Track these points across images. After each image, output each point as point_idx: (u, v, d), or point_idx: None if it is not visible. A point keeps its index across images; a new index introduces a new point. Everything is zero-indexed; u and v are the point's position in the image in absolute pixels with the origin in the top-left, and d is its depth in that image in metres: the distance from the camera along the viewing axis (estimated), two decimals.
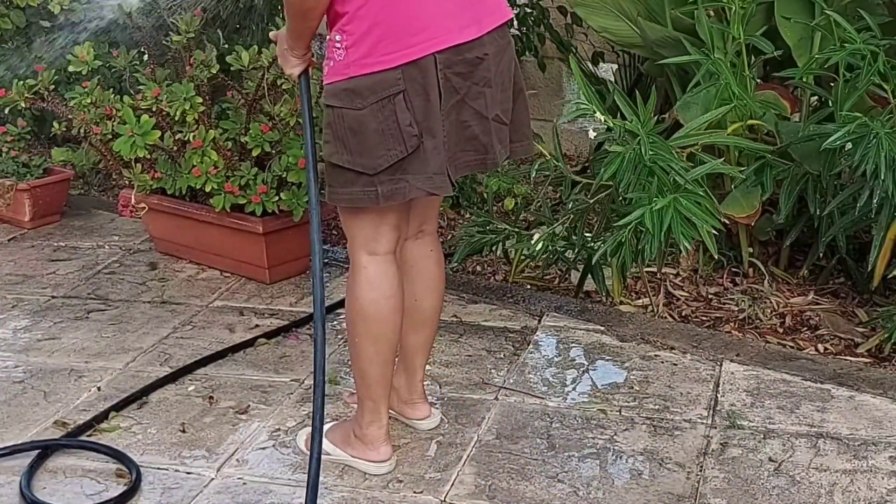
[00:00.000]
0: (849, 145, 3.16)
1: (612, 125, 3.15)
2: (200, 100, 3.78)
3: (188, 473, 2.77)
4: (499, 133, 2.57)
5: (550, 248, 3.55)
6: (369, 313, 2.61)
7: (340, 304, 3.53)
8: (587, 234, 3.54)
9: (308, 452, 2.80)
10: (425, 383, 2.96)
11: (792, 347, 3.37)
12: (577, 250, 3.56)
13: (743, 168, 3.44)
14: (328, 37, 2.49)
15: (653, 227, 2.99)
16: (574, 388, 3.14)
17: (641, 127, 3.08)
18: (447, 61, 2.44)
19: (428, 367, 3.02)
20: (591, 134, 3.27)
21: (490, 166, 2.61)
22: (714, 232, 3.08)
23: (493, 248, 3.82)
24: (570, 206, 3.54)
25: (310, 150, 2.62)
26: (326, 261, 4.04)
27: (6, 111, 4.21)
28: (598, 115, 3.15)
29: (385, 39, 2.40)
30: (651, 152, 3.02)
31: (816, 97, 3.62)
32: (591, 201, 3.43)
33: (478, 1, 2.50)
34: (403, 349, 2.85)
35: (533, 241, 3.51)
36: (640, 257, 3.22)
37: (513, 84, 2.60)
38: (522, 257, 3.77)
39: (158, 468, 2.79)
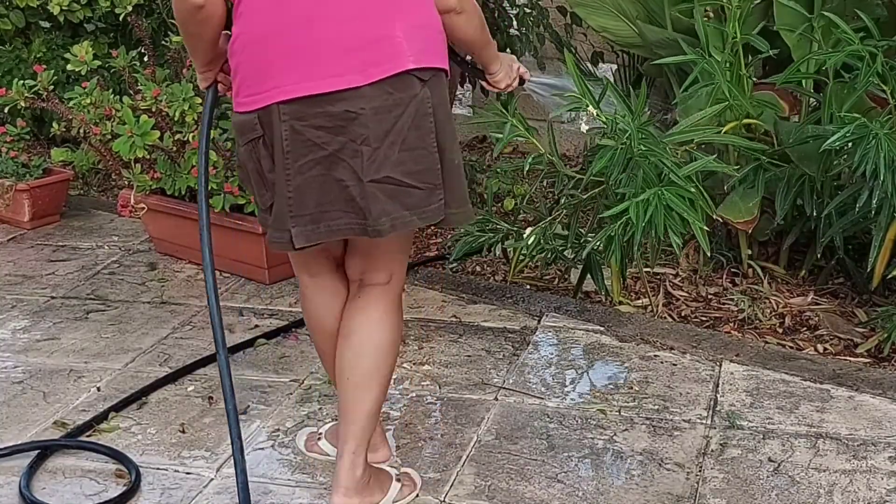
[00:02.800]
0: (847, 146, 3.16)
1: (604, 120, 3.15)
2: (199, 100, 3.79)
3: (188, 474, 2.77)
4: (398, 196, 2.26)
5: (542, 242, 3.55)
6: (310, 326, 2.66)
7: None
8: (580, 230, 3.54)
9: (307, 453, 2.81)
10: (425, 383, 2.95)
11: (791, 348, 3.37)
12: (574, 248, 3.55)
13: (738, 167, 3.44)
14: None
15: (636, 219, 2.99)
16: (573, 389, 3.14)
17: (632, 121, 3.08)
18: (297, 113, 2.22)
19: (427, 367, 3.02)
20: (584, 127, 3.25)
21: (371, 234, 2.27)
22: (706, 229, 3.07)
23: (493, 248, 3.82)
24: (562, 201, 3.54)
25: (203, 164, 2.55)
26: None
27: (6, 111, 4.21)
28: (590, 108, 3.14)
29: (245, 81, 2.29)
30: (642, 147, 3.02)
31: (815, 99, 3.62)
32: (584, 196, 3.43)
33: (366, 45, 2.22)
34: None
35: (525, 235, 3.51)
36: (630, 252, 3.21)
37: (436, 144, 2.28)
38: (521, 257, 3.78)
39: (158, 468, 2.79)
